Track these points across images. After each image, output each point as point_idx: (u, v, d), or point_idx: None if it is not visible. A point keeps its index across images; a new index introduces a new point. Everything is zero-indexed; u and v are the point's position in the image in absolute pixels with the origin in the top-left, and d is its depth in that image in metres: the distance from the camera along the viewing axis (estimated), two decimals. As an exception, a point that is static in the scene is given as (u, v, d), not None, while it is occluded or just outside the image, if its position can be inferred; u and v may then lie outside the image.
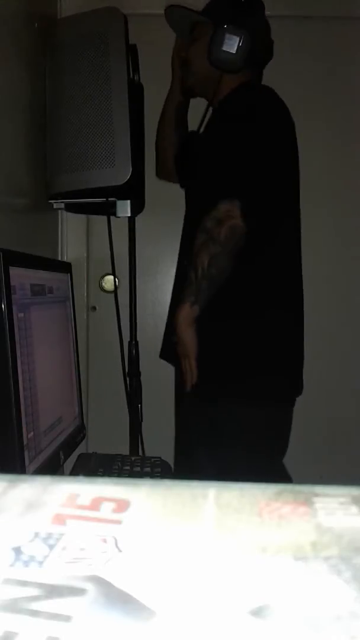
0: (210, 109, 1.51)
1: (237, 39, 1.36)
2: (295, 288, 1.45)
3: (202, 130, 1.53)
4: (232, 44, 1.36)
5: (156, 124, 1.69)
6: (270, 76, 1.51)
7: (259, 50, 1.43)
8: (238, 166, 1.29)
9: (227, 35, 1.36)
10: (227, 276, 1.28)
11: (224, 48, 1.37)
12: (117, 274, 1.59)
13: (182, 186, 1.65)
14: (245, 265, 1.29)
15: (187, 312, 1.28)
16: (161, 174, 1.74)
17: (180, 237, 1.57)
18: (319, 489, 0.29)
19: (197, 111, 1.59)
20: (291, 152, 1.41)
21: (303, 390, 1.46)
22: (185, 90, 1.60)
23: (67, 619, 0.19)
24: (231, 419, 1.35)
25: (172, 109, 1.66)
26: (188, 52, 1.52)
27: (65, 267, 1.17)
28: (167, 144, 1.68)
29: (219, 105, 1.47)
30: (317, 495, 0.28)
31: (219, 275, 1.27)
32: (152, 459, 1.17)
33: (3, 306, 0.75)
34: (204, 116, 1.52)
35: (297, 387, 1.45)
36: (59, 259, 1.90)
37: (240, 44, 1.36)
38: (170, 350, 1.47)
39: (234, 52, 1.36)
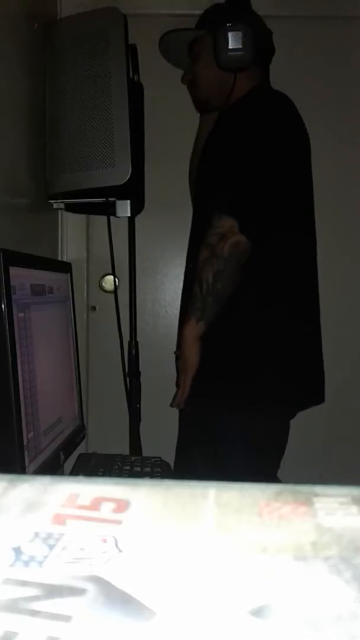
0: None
1: (240, 33, 1.34)
2: (308, 291, 1.42)
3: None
4: (237, 40, 1.35)
5: (156, 124, 1.68)
6: (270, 76, 1.50)
7: (262, 42, 1.42)
8: (238, 180, 1.27)
9: (231, 34, 1.35)
10: (233, 290, 1.27)
11: (231, 46, 1.35)
12: (117, 274, 1.59)
13: None
14: (249, 273, 1.28)
15: (193, 328, 1.28)
16: None
17: (179, 237, 1.57)
18: (319, 489, 0.29)
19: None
20: (300, 161, 1.39)
21: (317, 401, 1.44)
22: (199, 107, 1.55)
23: (67, 619, 0.19)
24: (230, 423, 1.33)
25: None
26: (193, 70, 1.49)
27: (65, 267, 1.17)
28: None
29: (228, 109, 1.44)
30: (317, 495, 0.28)
31: (224, 291, 1.26)
32: (152, 459, 1.17)
33: (3, 306, 0.75)
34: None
35: (307, 396, 1.42)
36: (59, 259, 1.90)
37: (245, 38, 1.35)
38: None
39: (242, 46, 1.35)
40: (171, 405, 1.34)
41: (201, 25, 1.47)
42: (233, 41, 1.35)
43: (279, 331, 1.36)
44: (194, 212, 1.55)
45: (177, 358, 1.36)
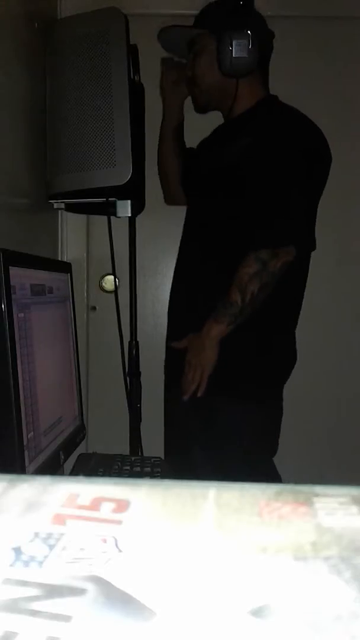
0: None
1: (246, 41, 1.34)
2: (303, 289, 1.48)
3: (217, 140, 1.52)
4: (242, 49, 1.34)
5: (156, 124, 1.68)
6: (270, 76, 1.50)
7: (265, 46, 1.42)
8: (303, 209, 1.33)
9: (235, 41, 1.34)
10: None
11: (235, 54, 1.35)
12: (117, 274, 1.59)
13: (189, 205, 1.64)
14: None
15: (222, 331, 1.32)
16: (169, 200, 1.74)
17: (179, 237, 1.57)
18: (319, 489, 0.29)
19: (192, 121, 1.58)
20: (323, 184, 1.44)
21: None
22: (200, 108, 1.56)
23: (67, 619, 0.19)
24: (230, 417, 1.37)
25: (170, 133, 1.65)
26: (193, 68, 1.49)
27: (65, 267, 1.17)
28: (170, 170, 1.67)
29: (242, 117, 1.44)
30: (317, 495, 0.28)
31: (262, 301, 1.32)
32: (152, 459, 1.17)
33: (3, 306, 0.75)
34: (226, 123, 1.49)
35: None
36: (59, 259, 1.90)
37: (250, 46, 1.35)
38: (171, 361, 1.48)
39: (247, 55, 1.35)
40: (183, 397, 1.36)
41: (201, 22, 1.46)
42: (238, 49, 1.34)
43: (278, 333, 1.43)
44: (195, 206, 1.55)
45: (170, 349, 1.37)
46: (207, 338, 1.32)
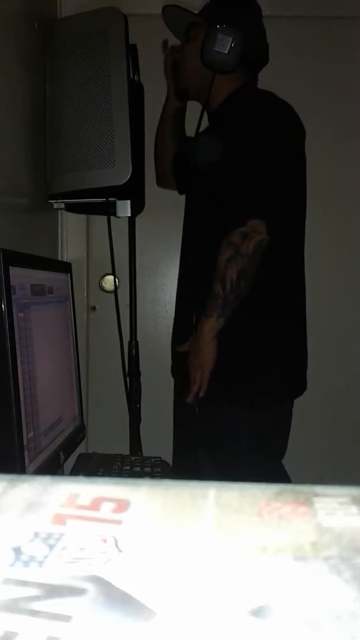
0: (205, 114, 1.51)
1: (230, 39, 1.34)
2: (300, 289, 1.47)
3: (199, 135, 1.52)
4: (224, 44, 1.35)
5: (156, 124, 1.68)
6: (270, 76, 1.51)
7: (253, 51, 1.43)
8: (263, 182, 1.30)
9: (220, 36, 1.35)
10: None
11: (216, 48, 1.35)
12: (117, 274, 1.59)
13: (180, 193, 1.65)
14: (260, 270, 1.30)
15: (213, 325, 1.29)
16: (161, 182, 1.74)
17: (179, 237, 1.57)
18: (319, 489, 0.29)
19: (195, 116, 1.59)
20: (304, 159, 1.42)
21: (303, 390, 1.47)
22: (179, 93, 1.58)
23: (67, 619, 0.19)
24: (234, 419, 1.36)
25: (170, 115, 1.65)
26: (181, 52, 1.51)
27: (65, 267, 1.17)
28: (166, 152, 1.67)
29: (218, 109, 1.45)
30: (317, 495, 0.28)
31: (246, 289, 1.28)
32: (152, 459, 1.17)
33: (3, 306, 0.75)
34: (200, 120, 1.50)
35: (300, 387, 1.47)
36: (59, 259, 1.90)
37: (233, 45, 1.35)
38: (178, 365, 1.47)
39: (226, 52, 1.35)
40: (187, 400, 1.34)
41: (202, 12, 1.48)
42: (220, 44, 1.35)
43: (279, 334, 1.40)
44: (187, 204, 1.55)
45: (176, 353, 1.36)
46: (201, 336, 1.31)
